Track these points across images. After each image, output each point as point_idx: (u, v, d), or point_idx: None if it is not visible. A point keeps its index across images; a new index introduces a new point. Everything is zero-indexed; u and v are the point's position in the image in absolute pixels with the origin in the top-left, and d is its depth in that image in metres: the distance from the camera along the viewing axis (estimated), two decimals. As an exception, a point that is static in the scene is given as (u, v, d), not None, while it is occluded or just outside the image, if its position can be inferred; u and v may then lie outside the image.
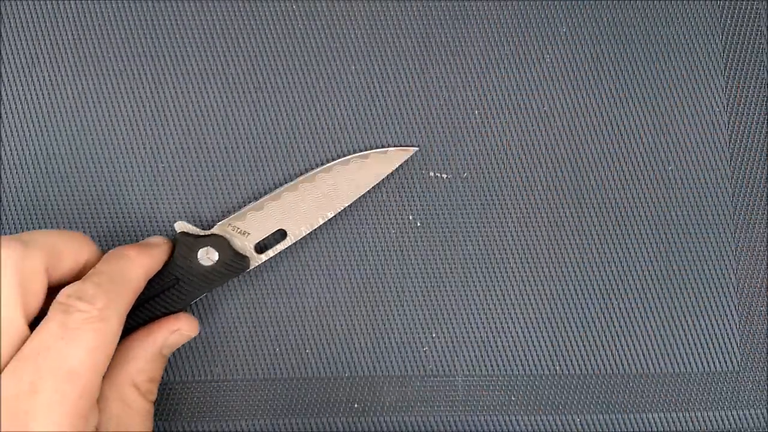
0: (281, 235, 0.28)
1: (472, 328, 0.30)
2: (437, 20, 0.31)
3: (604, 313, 0.30)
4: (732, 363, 0.30)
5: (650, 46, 0.31)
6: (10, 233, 0.29)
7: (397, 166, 0.29)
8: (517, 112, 0.31)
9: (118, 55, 0.30)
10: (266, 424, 0.29)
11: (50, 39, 0.30)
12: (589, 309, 0.30)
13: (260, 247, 0.28)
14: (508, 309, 0.30)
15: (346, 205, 0.29)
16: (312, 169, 0.30)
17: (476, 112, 0.31)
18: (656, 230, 0.30)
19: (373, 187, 0.30)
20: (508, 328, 0.30)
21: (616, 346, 0.30)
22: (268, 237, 0.28)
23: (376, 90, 0.30)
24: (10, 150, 0.30)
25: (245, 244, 0.28)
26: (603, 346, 0.30)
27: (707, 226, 0.30)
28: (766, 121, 0.31)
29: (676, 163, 0.31)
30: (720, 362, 0.30)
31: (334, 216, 0.29)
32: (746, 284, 0.30)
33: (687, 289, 0.30)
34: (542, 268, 0.30)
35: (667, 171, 0.31)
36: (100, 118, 0.30)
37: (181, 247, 0.27)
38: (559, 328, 0.30)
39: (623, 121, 0.31)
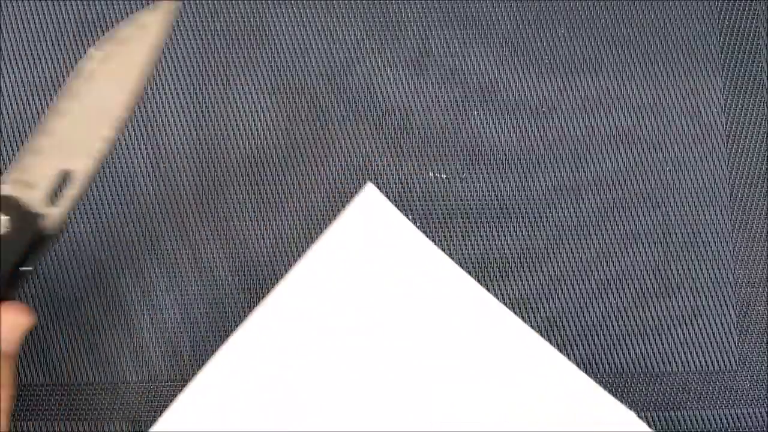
0: (68, 177, 0.23)
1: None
2: (437, 20, 0.31)
3: (602, 312, 0.30)
4: (730, 361, 0.30)
5: (648, 47, 0.31)
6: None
7: (158, 34, 0.23)
8: (516, 112, 0.31)
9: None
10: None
11: (50, 39, 0.30)
12: (587, 308, 0.30)
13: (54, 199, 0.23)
14: (508, 308, 0.30)
15: (123, 112, 0.23)
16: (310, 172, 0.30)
17: (475, 112, 0.31)
18: (654, 229, 0.31)
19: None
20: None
21: (614, 344, 0.30)
22: (55, 184, 0.23)
23: (376, 90, 0.30)
24: (10, 150, 0.29)
25: (32, 198, 0.22)
26: (601, 345, 0.30)
27: (705, 225, 0.31)
28: (763, 121, 0.31)
29: (675, 163, 0.31)
30: (718, 360, 0.30)
31: (334, 217, 0.29)
32: (744, 283, 0.30)
33: (685, 287, 0.30)
34: (541, 267, 0.30)
35: (665, 170, 0.31)
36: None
37: None
38: (557, 327, 0.30)
39: (622, 121, 0.31)
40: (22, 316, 0.22)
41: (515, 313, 0.30)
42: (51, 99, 0.30)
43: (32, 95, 0.30)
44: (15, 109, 0.30)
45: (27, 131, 0.30)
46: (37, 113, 0.30)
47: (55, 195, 0.23)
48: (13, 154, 0.29)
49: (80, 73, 0.23)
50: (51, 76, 0.30)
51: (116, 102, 0.23)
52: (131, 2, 0.30)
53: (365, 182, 0.30)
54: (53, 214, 0.22)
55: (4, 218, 0.22)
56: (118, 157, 0.30)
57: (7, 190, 0.22)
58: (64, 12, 0.30)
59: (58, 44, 0.30)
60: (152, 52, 0.23)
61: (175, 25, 0.30)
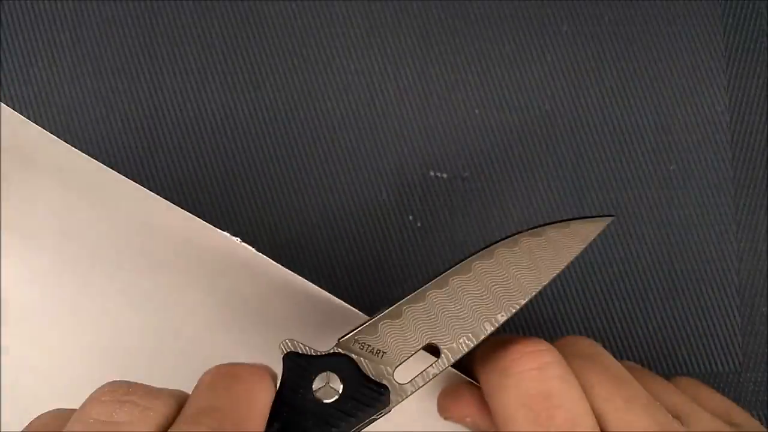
0: (430, 352, 0.20)
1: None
2: (437, 20, 0.31)
3: (603, 314, 0.30)
4: (734, 363, 0.30)
5: (652, 45, 0.31)
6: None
7: (588, 242, 0.21)
8: (517, 111, 0.31)
9: (117, 55, 0.30)
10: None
11: (48, 39, 0.30)
12: (589, 309, 0.30)
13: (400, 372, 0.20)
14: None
15: (523, 302, 0.20)
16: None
17: (476, 111, 0.30)
18: (657, 230, 0.30)
19: (373, 188, 0.30)
20: (507, 327, 0.30)
21: (616, 347, 0.30)
22: (410, 357, 0.19)
23: (376, 90, 0.30)
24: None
25: (380, 368, 0.19)
26: (604, 347, 0.30)
27: (709, 225, 0.30)
28: (767, 121, 0.31)
29: (678, 163, 0.31)
30: (721, 363, 0.30)
31: (334, 217, 0.29)
32: (748, 284, 0.30)
33: (688, 289, 0.30)
34: (543, 268, 0.30)
35: (668, 170, 0.31)
36: (98, 118, 0.30)
37: (291, 373, 0.18)
38: (558, 328, 0.30)
39: (624, 121, 0.31)
40: None
41: (515, 315, 0.30)
42: (49, 99, 0.30)
43: (32, 95, 0.30)
44: (15, 109, 0.30)
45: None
46: (35, 113, 0.30)
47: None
48: (14, 155, 0.30)
49: (488, 255, 0.20)
50: (49, 77, 0.30)
51: (523, 290, 0.20)
52: (130, 2, 0.30)
53: (365, 182, 0.30)
54: (402, 390, 0.19)
55: (334, 379, 0.18)
56: (116, 157, 0.30)
57: (347, 350, 0.19)
58: (62, 12, 0.30)
59: (57, 44, 0.30)
60: (571, 259, 0.21)
61: (175, 25, 0.30)
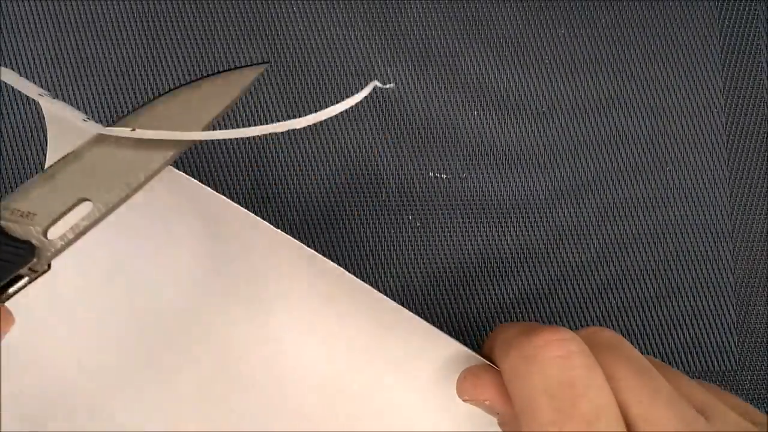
0: (84, 209, 0.20)
1: (471, 327, 0.30)
2: (437, 20, 0.31)
3: (602, 313, 0.30)
4: (730, 362, 0.30)
5: (648, 48, 0.31)
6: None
7: (243, 86, 0.21)
8: (516, 112, 0.31)
9: (119, 56, 0.30)
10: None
11: (50, 40, 0.30)
12: (587, 309, 0.30)
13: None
14: (507, 309, 0.30)
15: (179, 149, 0.20)
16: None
17: (476, 112, 0.31)
18: (654, 230, 0.31)
19: (373, 188, 0.30)
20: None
21: (615, 345, 0.30)
22: (64, 214, 0.20)
23: (376, 90, 0.30)
24: (10, 150, 0.29)
25: (28, 229, 0.19)
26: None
27: (705, 225, 0.31)
28: (763, 122, 0.31)
29: (675, 164, 0.31)
30: (718, 361, 0.30)
31: (333, 217, 0.29)
32: (744, 283, 0.30)
33: (685, 288, 0.30)
34: (541, 267, 0.30)
35: (665, 171, 0.31)
36: (100, 119, 0.30)
37: None
38: (558, 327, 0.30)
39: (622, 122, 0.31)
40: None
41: (514, 312, 0.30)
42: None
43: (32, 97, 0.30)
44: (15, 109, 0.30)
45: (26, 132, 0.29)
46: (37, 114, 0.30)
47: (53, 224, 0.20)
48: (12, 154, 0.29)
49: (142, 108, 0.20)
50: (51, 76, 0.30)
51: (176, 143, 0.20)
52: (132, 3, 0.30)
53: (365, 182, 0.30)
54: (50, 244, 0.19)
55: None
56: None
57: None
58: (64, 12, 0.30)
59: (59, 44, 0.30)
60: (222, 111, 0.21)
61: (176, 25, 0.30)
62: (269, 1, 0.30)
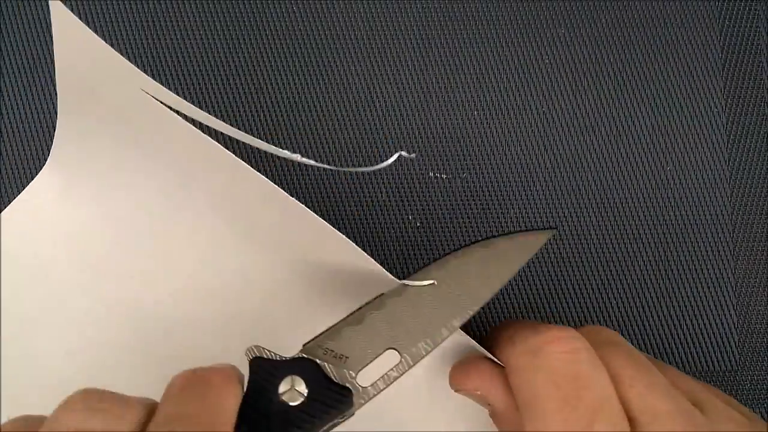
0: (390, 357, 0.20)
1: (471, 327, 0.30)
2: (437, 20, 0.31)
3: (602, 313, 0.30)
4: (730, 362, 0.30)
5: (649, 47, 0.31)
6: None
7: (533, 252, 0.22)
8: (516, 112, 0.31)
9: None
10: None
11: (50, 40, 0.30)
12: (587, 308, 0.30)
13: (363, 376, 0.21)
14: (507, 308, 0.30)
15: (477, 309, 0.21)
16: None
17: (476, 112, 0.31)
18: (655, 230, 0.31)
19: (373, 188, 0.30)
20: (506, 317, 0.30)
21: (615, 345, 0.30)
22: (372, 361, 0.20)
23: (376, 90, 0.30)
24: (11, 151, 0.29)
25: (344, 372, 0.19)
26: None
27: (705, 225, 0.31)
28: (764, 121, 0.31)
29: (675, 164, 0.31)
30: (718, 361, 0.30)
31: (333, 217, 0.29)
32: (744, 283, 0.30)
33: (685, 288, 0.30)
34: (541, 267, 0.30)
35: (665, 171, 0.31)
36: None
37: (257, 377, 0.18)
38: (558, 327, 0.30)
39: (622, 122, 0.31)
40: None
41: (514, 312, 0.30)
42: (51, 100, 0.30)
43: (32, 95, 0.30)
44: (15, 109, 0.30)
45: (27, 132, 0.30)
46: (38, 113, 0.30)
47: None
48: (13, 154, 0.29)
49: (440, 262, 0.21)
50: (51, 76, 0.30)
51: (476, 297, 0.21)
52: (132, 3, 0.30)
53: (365, 182, 0.30)
54: (364, 393, 0.19)
55: (299, 382, 0.18)
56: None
57: (311, 355, 0.19)
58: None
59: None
60: (518, 268, 0.22)
61: (176, 25, 0.30)
62: (269, 1, 0.30)
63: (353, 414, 0.19)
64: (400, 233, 0.30)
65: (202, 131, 0.20)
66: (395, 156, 0.22)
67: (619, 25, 0.31)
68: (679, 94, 0.31)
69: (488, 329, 0.30)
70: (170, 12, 0.30)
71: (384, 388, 0.20)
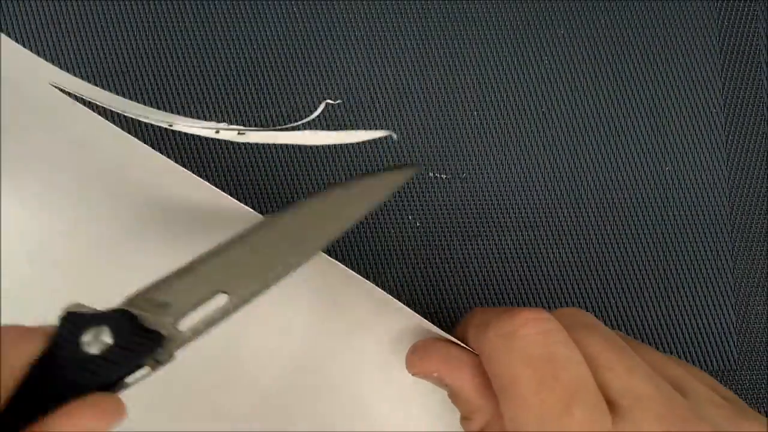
0: (221, 301, 0.20)
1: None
2: (437, 20, 0.31)
3: (601, 313, 0.30)
4: (729, 362, 0.30)
5: (648, 48, 0.31)
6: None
7: (391, 191, 0.21)
8: (515, 112, 0.31)
9: (119, 57, 0.30)
10: None
11: (51, 40, 0.30)
12: (587, 308, 0.30)
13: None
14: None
15: (320, 246, 0.20)
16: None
17: (475, 112, 0.31)
18: (654, 230, 0.31)
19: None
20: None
21: (615, 345, 0.30)
22: (198, 306, 0.19)
23: (376, 90, 0.30)
24: (8, 149, 0.29)
25: (161, 320, 0.19)
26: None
27: (704, 225, 0.31)
28: (763, 122, 0.31)
29: (674, 164, 0.31)
30: (717, 361, 0.30)
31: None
32: (743, 284, 0.31)
33: (684, 288, 0.30)
34: (541, 267, 0.30)
35: (664, 171, 0.31)
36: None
37: (63, 330, 0.18)
38: (558, 327, 0.30)
39: (621, 122, 0.31)
40: (116, 409, 0.18)
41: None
42: (50, 98, 0.30)
43: (31, 94, 0.30)
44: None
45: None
46: (36, 112, 0.30)
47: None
48: (11, 154, 0.29)
49: (294, 205, 0.20)
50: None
51: (323, 234, 0.20)
52: (132, 3, 0.30)
53: (365, 182, 0.30)
54: (181, 336, 0.19)
55: (105, 332, 0.18)
56: (118, 157, 0.30)
57: (130, 307, 0.19)
58: (64, 12, 0.30)
59: (59, 44, 0.30)
60: (371, 206, 0.21)
61: (176, 25, 0.30)
62: (269, 1, 0.30)
63: (172, 358, 0.19)
64: (400, 233, 0.30)
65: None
66: (322, 105, 0.21)
67: (619, 25, 0.31)
68: (678, 94, 0.31)
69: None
70: (170, 12, 0.30)
71: (205, 329, 0.19)
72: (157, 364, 0.19)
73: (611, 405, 0.19)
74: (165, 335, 0.19)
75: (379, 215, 0.30)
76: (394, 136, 0.24)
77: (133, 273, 0.21)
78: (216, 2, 0.30)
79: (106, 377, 0.18)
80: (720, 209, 0.31)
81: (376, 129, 0.30)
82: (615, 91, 0.31)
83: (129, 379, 0.19)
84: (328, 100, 0.22)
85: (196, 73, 0.30)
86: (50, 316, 0.18)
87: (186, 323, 0.19)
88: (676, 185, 0.31)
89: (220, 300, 0.19)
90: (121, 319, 0.19)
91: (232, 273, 0.20)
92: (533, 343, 0.19)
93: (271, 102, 0.30)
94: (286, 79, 0.30)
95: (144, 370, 0.19)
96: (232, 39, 0.30)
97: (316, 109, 0.30)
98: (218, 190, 0.21)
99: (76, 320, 0.18)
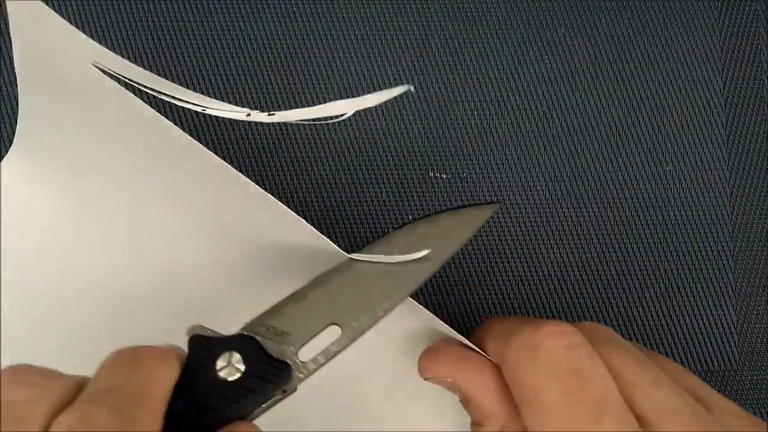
0: (333, 333, 0.20)
1: (471, 327, 0.30)
2: (437, 20, 0.31)
3: (602, 313, 0.30)
4: (730, 362, 0.30)
5: (648, 47, 0.31)
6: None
7: (477, 227, 0.22)
8: (516, 112, 0.31)
9: (119, 56, 0.30)
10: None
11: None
12: (587, 308, 0.30)
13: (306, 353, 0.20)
14: (507, 309, 0.30)
15: (419, 282, 0.21)
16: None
17: (475, 112, 0.31)
18: (654, 230, 0.31)
19: (373, 188, 0.30)
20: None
21: (615, 345, 0.30)
22: (314, 336, 0.20)
23: (376, 90, 0.30)
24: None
25: (284, 348, 0.19)
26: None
27: (705, 225, 0.31)
28: (764, 121, 0.31)
29: (675, 163, 0.31)
30: (718, 361, 0.30)
31: (334, 217, 0.29)
32: (744, 283, 0.30)
33: (685, 288, 0.30)
34: (541, 267, 0.30)
35: (665, 171, 0.31)
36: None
37: (196, 354, 0.19)
38: (558, 327, 0.30)
39: (622, 122, 0.31)
40: None
41: (514, 312, 0.30)
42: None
43: None
44: (15, 109, 0.30)
45: None
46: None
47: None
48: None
49: (383, 238, 0.21)
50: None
51: (421, 270, 0.21)
52: (132, 2, 0.30)
53: (365, 182, 0.30)
54: (305, 368, 0.19)
55: (237, 358, 0.18)
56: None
57: (252, 333, 0.19)
58: (64, 12, 0.30)
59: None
60: (462, 242, 0.22)
61: (176, 25, 0.30)
62: (269, 1, 0.30)
63: (295, 389, 0.19)
64: (400, 233, 0.30)
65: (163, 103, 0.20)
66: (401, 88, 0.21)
67: (619, 25, 0.31)
68: (679, 94, 0.31)
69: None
70: (170, 12, 0.30)
71: (324, 363, 0.20)
72: (283, 393, 0.19)
73: (639, 420, 0.19)
74: (292, 366, 0.19)
75: (379, 215, 0.30)
76: (412, 89, 0.24)
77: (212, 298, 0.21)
78: (216, 2, 0.30)
79: (246, 407, 0.18)
80: (721, 209, 0.31)
81: (375, 128, 0.30)
82: (616, 91, 0.31)
83: (257, 411, 0.19)
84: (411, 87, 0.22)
85: (195, 73, 0.30)
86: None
87: (304, 354, 0.20)
88: (677, 185, 0.31)
89: (333, 332, 0.20)
90: (248, 345, 0.19)
91: (341, 305, 0.20)
92: (559, 356, 0.19)
93: (272, 102, 0.30)
94: (287, 79, 0.30)
95: (272, 401, 0.19)
96: (232, 38, 0.30)
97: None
98: (302, 220, 0.21)
99: (206, 344, 0.19)
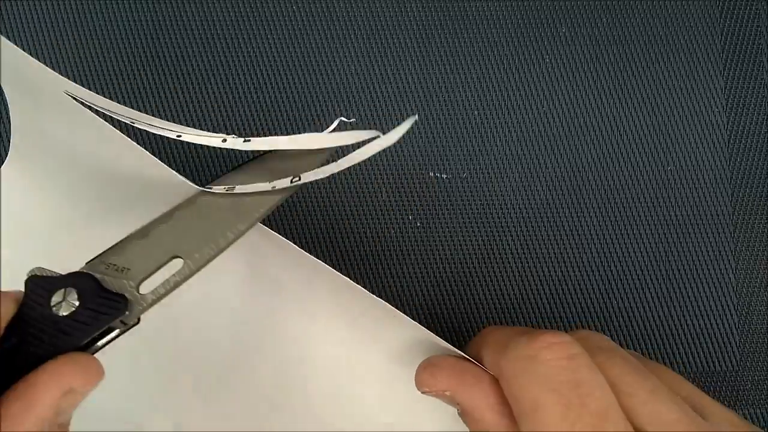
0: (176, 265, 0.20)
1: (471, 327, 0.30)
2: (437, 20, 0.31)
3: (603, 313, 0.30)
4: (731, 362, 0.30)
5: (649, 47, 0.31)
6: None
7: (324, 160, 0.22)
8: (516, 112, 0.31)
9: (119, 56, 0.30)
10: None
11: (50, 40, 0.30)
12: (588, 308, 0.30)
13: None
14: (507, 309, 0.30)
15: (264, 211, 0.21)
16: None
17: (476, 112, 0.31)
18: (655, 230, 0.30)
19: (373, 188, 0.30)
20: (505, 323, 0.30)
21: (615, 345, 0.30)
22: (156, 270, 0.20)
23: (376, 90, 0.30)
24: (10, 150, 0.30)
25: (123, 283, 0.20)
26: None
27: (706, 226, 0.31)
28: (765, 121, 0.31)
29: (676, 164, 0.31)
30: (719, 362, 0.30)
31: (334, 217, 0.29)
32: (745, 284, 0.30)
33: (686, 288, 0.30)
34: (541, 267, 0.30)
35: (666, 171, 0.31)
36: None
37: (32, 293, 0.19)
38: (557, 327, 0.30)
39: (623, 122, 0.31)
40: (95, 372, 0.19)
41: (514, 312, 0.30)
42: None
43: None
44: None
45: None
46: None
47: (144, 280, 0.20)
48: (13, 154, 0.29)
49: (233, 172, 0.21)
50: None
51: (268, 199, 0.21)
52: (132, 2, 0.30)
53: (365, 182, 0.30)
54: (143, 300, 0.20)
55: (72, 294, 0.19)
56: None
57: (91, 271, 0.20)
58: (64, 13, 0.30)
59: (59, 44, 0.30)
60: (316, 167, 0.22)
61: (176, 25, 0.30)
62: (269, 1, 0.30)
63: (138, 322, 0.20)
64: (400, 233, 0.30)
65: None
66: (336, 122, 0.21)
67: (620, 24, 0.31)
68: (680, 93, 0.31)
69: (473, 334, 0.30)
70: (170, 12, 0.30)
71: (165, 293, 0.20)
72: (124, 326, 0.20)
73: (637, 428, 0.19)
74: (130, 298, 0.20)
75: (379, 215, 0.30)
76: (345, 119, 0.24)
77: (84, 242, 0.22)
78: (216, 2, 0.30)
79: (79, 338, 0.19)
80: (722, 209, 0.31)
81: (375, 128, 0.30)
82: (616, 91, 0.31)
83: (100, 342, 0.19)
84: (342, 118, 0.23)
85: (195, 72, 0.30)
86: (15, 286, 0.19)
87: (147, 287, 0.20)
88: (678, 185, 0.31)
89: (176, 264, 0.20)
90: (85, 282, 0.19)
91: (184, 238, 0.20)
92: (557, 368, 0.19)
93: (271, 102, 0.30)
94: (286, 79, 0.30)
95: (114, 333, 0.20)
96: (231, 38, 0.30)
97: (316, 109, 0.30)
98: (154, 157, 0.21)
99: (42, 283, 0.19)
